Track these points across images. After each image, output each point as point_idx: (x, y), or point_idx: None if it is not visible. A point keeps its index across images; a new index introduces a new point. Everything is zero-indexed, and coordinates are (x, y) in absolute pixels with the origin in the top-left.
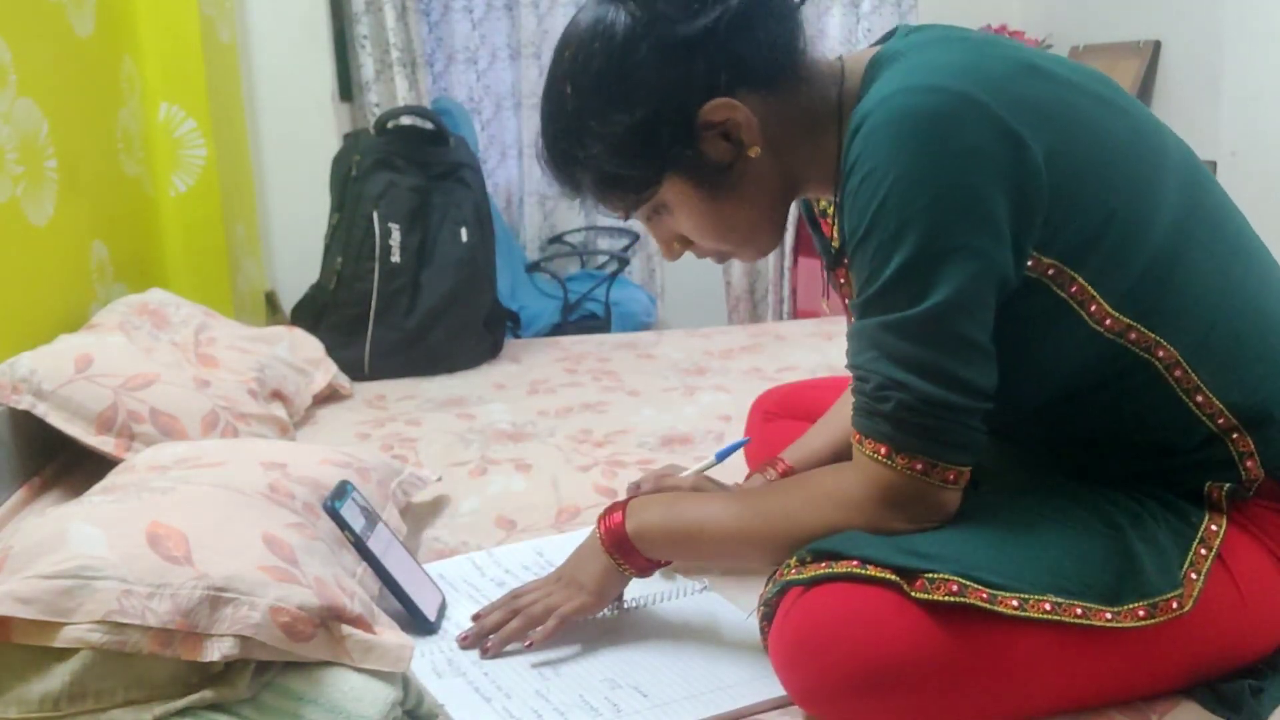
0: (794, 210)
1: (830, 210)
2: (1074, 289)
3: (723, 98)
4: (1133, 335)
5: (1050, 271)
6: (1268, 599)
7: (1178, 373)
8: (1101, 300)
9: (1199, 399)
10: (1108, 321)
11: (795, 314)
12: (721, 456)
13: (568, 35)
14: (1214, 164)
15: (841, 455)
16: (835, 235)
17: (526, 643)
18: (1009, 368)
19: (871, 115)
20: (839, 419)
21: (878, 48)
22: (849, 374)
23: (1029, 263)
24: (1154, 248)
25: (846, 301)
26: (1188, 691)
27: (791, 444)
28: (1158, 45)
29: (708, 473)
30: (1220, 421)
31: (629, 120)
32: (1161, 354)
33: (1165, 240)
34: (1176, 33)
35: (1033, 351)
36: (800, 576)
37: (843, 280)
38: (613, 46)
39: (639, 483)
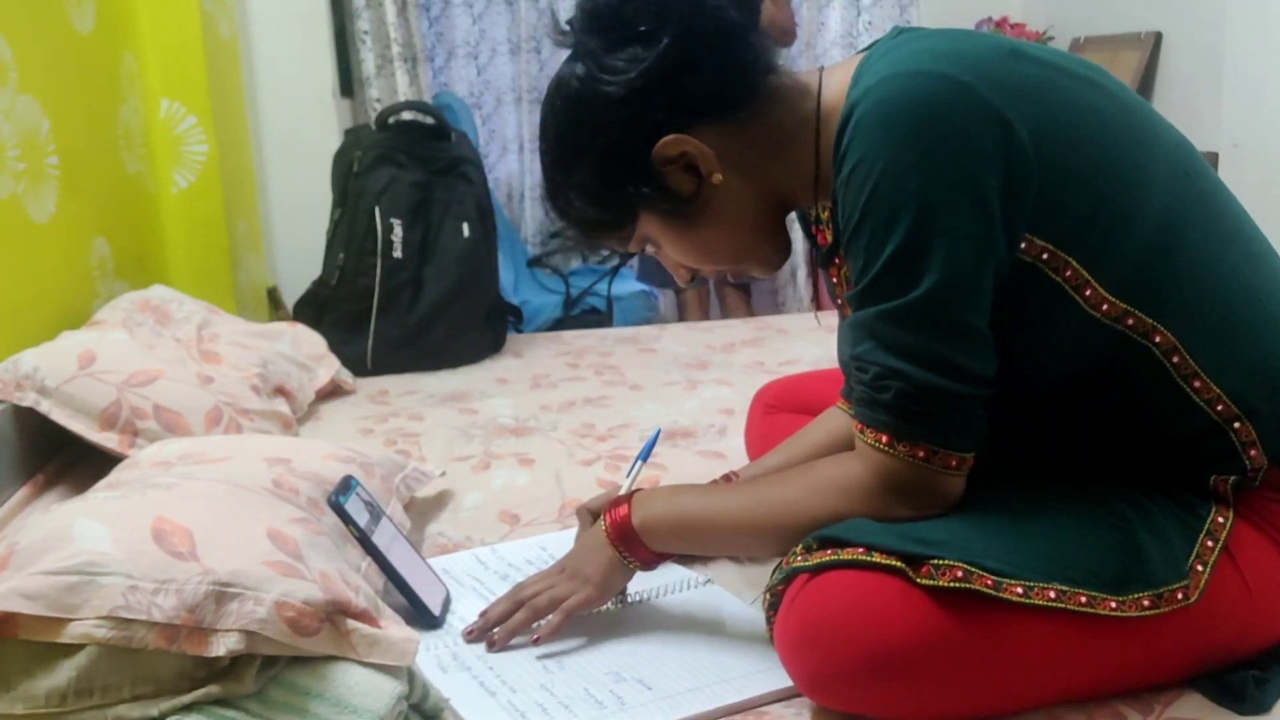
0: None
1: (825, 216)
2: (1068, 273)
3: (673, 134)
4: (1130, 321)
5: (1044, 256)
6: (1273, 591)
7: (1175, 359)
8: (1096, 285)
9: (1196, 384)
10: (1104, 307)
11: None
12: (644, 456)
13: (545, 92)
14: (1215, 155)
15: None
16: (829, 237)
17: (533, 638)
18: (1008, 356)
19: (859, 105)
20: (801, 443)
21: (865, 53)
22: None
23: (1022, 245)
24: (1147, 230)
25: (840, 298)
26: (1192, 682)
27: (752, 463)
28: (1159, 37)
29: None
30: (1219, 409)
31: (587, 170)
32: (1159, 339)
33: (1158, 223)
34: (1178, 24)
35: (1031, 339)
36: (806, 564)
37: (835, 280)
38: (568, 104)
39: (587, 507)
